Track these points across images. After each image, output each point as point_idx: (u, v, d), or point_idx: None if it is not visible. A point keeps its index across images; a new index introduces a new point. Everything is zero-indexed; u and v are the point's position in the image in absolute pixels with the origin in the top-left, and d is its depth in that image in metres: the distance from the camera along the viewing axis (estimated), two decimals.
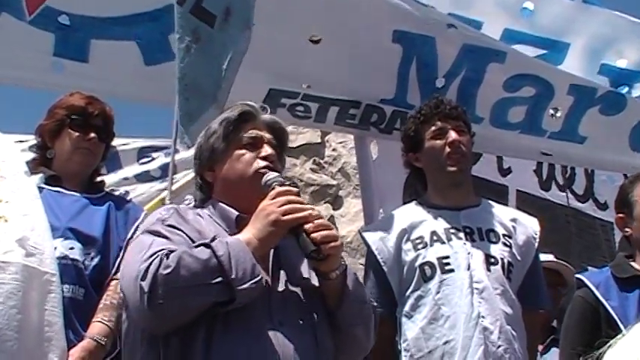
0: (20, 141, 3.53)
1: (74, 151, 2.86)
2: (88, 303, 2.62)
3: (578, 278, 2.96)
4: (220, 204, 2.11)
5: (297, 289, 2.02)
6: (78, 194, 2.83)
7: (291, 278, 2.03)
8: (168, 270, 1.81)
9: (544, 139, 3.80)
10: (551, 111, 3.72)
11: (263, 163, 2.09)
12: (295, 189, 2.02)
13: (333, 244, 1.93)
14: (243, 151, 2.13)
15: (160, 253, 1.85)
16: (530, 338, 2.91)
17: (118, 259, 2.71)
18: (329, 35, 3.44)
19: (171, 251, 1.85)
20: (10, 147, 2.85)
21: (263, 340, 1.87)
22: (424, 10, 3.52)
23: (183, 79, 3.01)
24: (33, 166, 2.86)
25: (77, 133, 2.86)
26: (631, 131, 3.81)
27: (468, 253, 2.85)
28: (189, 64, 3.02)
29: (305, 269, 2.05)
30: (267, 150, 2.12)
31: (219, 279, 1.82)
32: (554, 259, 4.11)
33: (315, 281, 2.03)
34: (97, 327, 2.58)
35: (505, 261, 2.88)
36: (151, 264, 1.83)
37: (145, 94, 3.56)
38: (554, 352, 3.79)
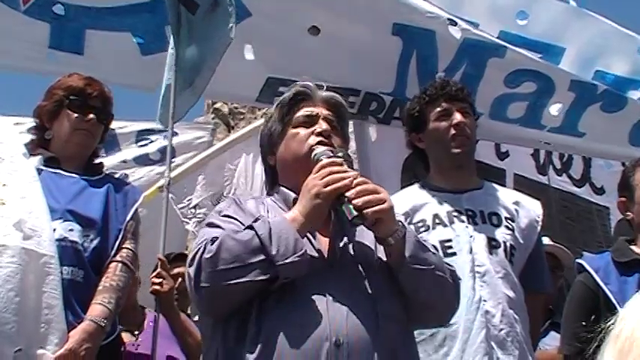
0: (18, 123, 3.52)
1: (73, 133, 2.84)
2: (87, 285, 2.60)
3: (578, 263, 2.97)
4: (282, 188, 2.14)
5: (362, 263, 1.99)
6: (77, 176, 2.81)
7: (357, 252, 2.01)
8: (211, 254, 1.87)
9: (543, 132, 3.80)
10: (552, 111, 3.71)
11: (317, 139, 2.09)
12: (339, 159, 2.01)
13: (376, 208, 1.91)
14: (298, 129, 2.14)
15: (206, 239, 1.92)
16: (532, 321, 2.89)
17: (117, 241, 2.71)
18: (328, 27, 3.44)
19: (217, 237, 1.91)
20: (9, 129, 2.83)
21: (310, 314, 1.87)
22: (424, 4, 3.49)
23: (177, 63, 3.04)
24: (31, 148, 2.84)
25: (76, 114, 2.84)
26: (631, 128, 3.81)
27: (471, 237, 2.84)
28: (179, 47, 3.05)
29: (372, 242, 2.04)
30: (322, 125, 2.13)
31: (260, 257, 1.86)
32: (551, 243, 4.11)
33: (381, 253, 2.02)
34: (97, 309, 2.57)
35: (507, 244, 2.86)
36: (197, 251, 1.91)
37: (141, 83, 3.56)
38: (552, 335, 3.79)
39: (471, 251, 2.81)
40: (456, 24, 3.47)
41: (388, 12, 3.46)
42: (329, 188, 1.93)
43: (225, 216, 2.04)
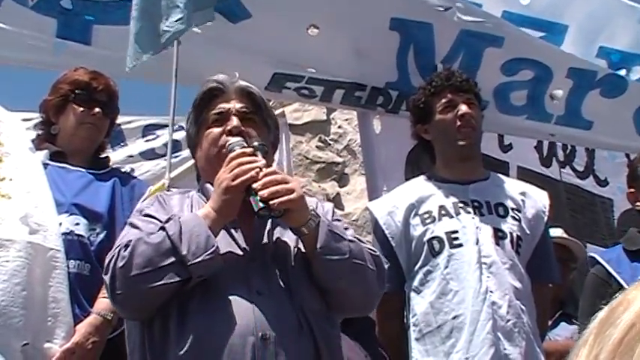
0: (26, 119, 3.53)
1: (79, 127, 2.85)
2: (93, 278, 2.60)
3: (591, 256, 2.99)
4: (206, 184, 2.13)
5: (283, 255, 2.01)
6: (83, 170, 2.83)
7: (278, 245, 2.03)
8: (124, 261, 1.87)
9: (551, 125, 3.78)
10: (552, 97, 3.69)
11: (227, 139, 2.08)
12: (249, 149, 2.01)
13: (283, 198, 1.90)
14: (211, 129, 2.13)
15: (120, 244, 1.90)
16: (540, 312, 2.88)
17: None
18: (328, 24, 3.43)
19: (131, 241, 1.89)
20: (16, 124, 2.84)
21: (235, 309, 1.87)
22: None
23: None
24: (38, 143, 2.86)
25: (81, 108, 2.85)
26: (635, 114, 3.78)
27: (477, 228, 2.82)
28: None
29: (291, 235, 2.05)
30: (232, 122, 2.11)
31: (172, 259, 1.85)
32: (564, 235, 4.08)
33: (300, 244, 2.03)
34: (104, 302, 2.57)
35: (514, 235, 2.85)
36: (112, 257, 1.91)
37: (149, 74, 3.55)
38: (563, 326, 3.79)
39: (477, 242, 2.79)
40: (451, 8, 3.45)
41: (385, 7, 3.46)
42: (236, 181, 1.93)
43: (145, 215, 2.02)
